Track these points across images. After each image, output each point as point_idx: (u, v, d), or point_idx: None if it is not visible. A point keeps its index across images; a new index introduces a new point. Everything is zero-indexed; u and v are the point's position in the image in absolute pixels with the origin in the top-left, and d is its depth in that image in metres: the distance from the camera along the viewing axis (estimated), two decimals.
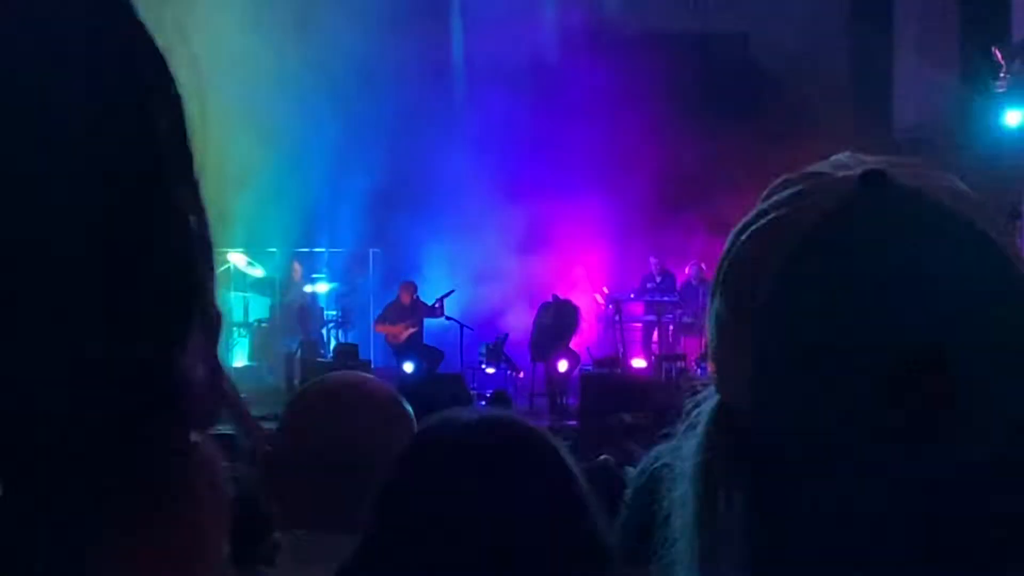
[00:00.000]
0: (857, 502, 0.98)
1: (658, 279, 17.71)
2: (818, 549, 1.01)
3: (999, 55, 14.03)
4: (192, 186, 0.58)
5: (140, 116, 0.57)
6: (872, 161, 1.06)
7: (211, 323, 0.57)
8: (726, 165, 17.07)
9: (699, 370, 15.91)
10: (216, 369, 0.56)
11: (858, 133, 17.61)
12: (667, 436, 1.15)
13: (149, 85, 0.58)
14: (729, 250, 1.07)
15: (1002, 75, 14.40)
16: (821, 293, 0.99)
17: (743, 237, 1.06)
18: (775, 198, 1.07)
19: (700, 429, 1.09)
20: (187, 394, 0.52)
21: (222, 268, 15.27)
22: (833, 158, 1.09)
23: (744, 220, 1.08)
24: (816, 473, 0.99)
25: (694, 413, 1.11)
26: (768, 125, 17.62)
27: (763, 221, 1.05)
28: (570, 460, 1.67)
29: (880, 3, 19.37)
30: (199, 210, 0.58)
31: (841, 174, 1.05)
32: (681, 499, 1.11)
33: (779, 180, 1.08)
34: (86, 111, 0.56)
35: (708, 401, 1.10)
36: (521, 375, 16.81)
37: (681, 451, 1.12)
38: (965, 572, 0.98)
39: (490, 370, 16.82)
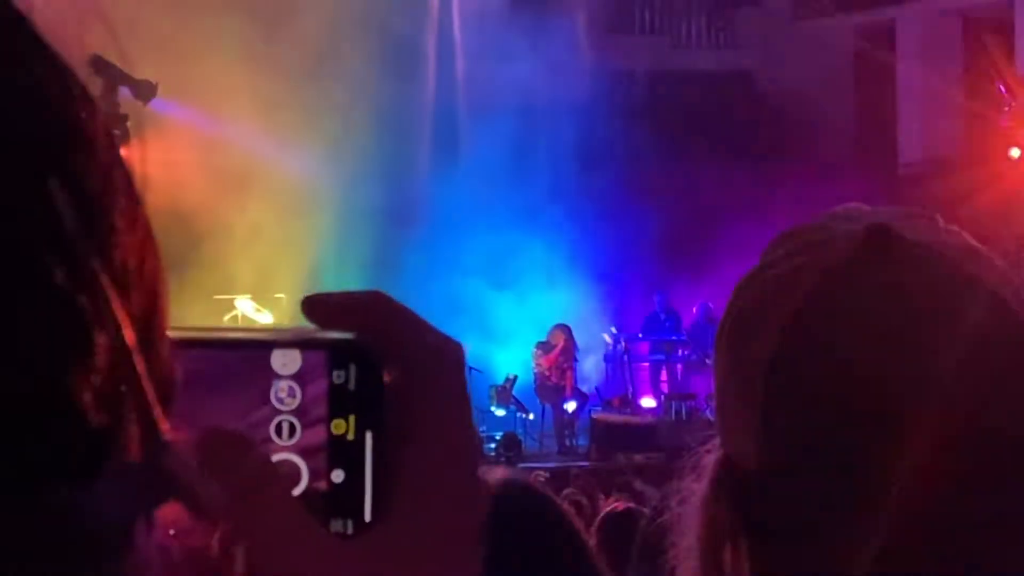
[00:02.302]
0: (858, 557, 0.96)
1: (663, 317, 17.67)
2: None
3: (1004, 88, 14.06)
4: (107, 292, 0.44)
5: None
6: (878, 213, 1.04)
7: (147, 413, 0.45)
8: (731, 202, 17.08)
9: (709, 410, 15.86)
10: (152, 467, 0.46)
11: (863, 168, 17.64)
12: (676, 478, 1.14)
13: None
14: (732, 304, 1.05)
15: (1007, 108, 14.43)
16: (824, 351, 0.97)
17: (746, 292, 1.05)
18: (778, 252, 1.04)
19: (705, 482, 1.08)
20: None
21: (229, 316, 15.29)
22: (838, 209, 1.07)
23: (747, 274, 1.06)
24: (820, 527, 0.98)
25: (700, 464, 1.10)
26: (773, 160, 17.65)
27: (766, 275, 1.03)
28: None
29: (884, 38, 19.42)
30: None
31: (845, 228, 1.02)
32: (686, 552, 1.10)
33: (783, 233, 1.06)
34: None
35: (712, 453, 1.09)
36: (531, 416, 16.74)
37: (687, 503, 1.11)
38: None
39: (499, 412, 16.75)
